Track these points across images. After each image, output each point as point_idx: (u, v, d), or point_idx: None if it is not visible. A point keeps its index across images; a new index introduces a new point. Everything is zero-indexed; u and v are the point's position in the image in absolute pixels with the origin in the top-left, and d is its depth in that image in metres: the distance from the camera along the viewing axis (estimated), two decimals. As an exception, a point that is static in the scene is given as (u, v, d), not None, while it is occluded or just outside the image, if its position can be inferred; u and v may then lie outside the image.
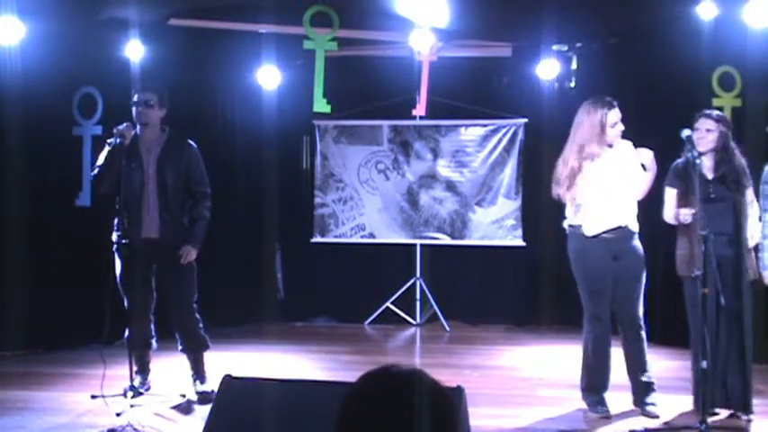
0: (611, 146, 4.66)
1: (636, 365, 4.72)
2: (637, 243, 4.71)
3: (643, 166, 4.66)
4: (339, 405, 1.49)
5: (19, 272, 6.06)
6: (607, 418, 4.62)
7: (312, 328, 8.08)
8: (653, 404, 4.67)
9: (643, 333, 4.72)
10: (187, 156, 5.06)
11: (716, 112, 4.81)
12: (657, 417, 4.61)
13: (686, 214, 4.53)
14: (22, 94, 6.11)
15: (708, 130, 4.59)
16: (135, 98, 4.97)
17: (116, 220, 4.88)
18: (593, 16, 6.75)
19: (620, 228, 4.64)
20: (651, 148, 4.73)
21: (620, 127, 4.65)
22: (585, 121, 4.64)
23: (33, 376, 5.68)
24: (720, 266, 4.40)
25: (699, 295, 4.29)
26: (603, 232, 4.62)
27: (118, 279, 4.94)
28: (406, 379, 1.48)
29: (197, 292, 5.11)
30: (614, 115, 4.61)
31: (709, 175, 4.62)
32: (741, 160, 4.64)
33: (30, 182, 6.21)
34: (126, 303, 4.93)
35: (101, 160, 4.90)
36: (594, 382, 4.72)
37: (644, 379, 4.71)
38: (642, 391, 4.71)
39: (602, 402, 4.69)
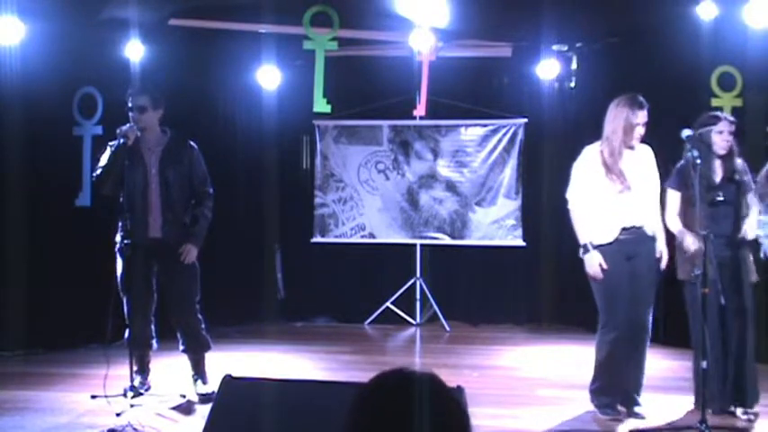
0: (631, 147, 4.64)
1: (632, 370, 4.65)
2: (653, 247, 4.63)
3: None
4: (350, 405, 1.48)
5: (19, 272, 6.06)
6: (618, 420, 4.58)
7: (312, 328, 8.08)
8: (641, 414, 4.60)
9: (647, 341, 4.66)
10: (189, 156, 5.07)
11: (730, 115, 4.88)
12: (644, 418, 4.59)
13: (692, 246, 4.51)
14: (22, 94, 6.11)
15: (730, 133, 4.63)
16: (129, 103, 4.96)
17: (119, 221, 4.89)
18: (593, 16, 6.75)
19: (634, 228, 4.59)
20: (650, 145, 4.73)
21: (641, 130, 4.59)
22: (611, 119, 4.62)
23: (33, 376, 5.68)
24: (720, 267, 4.40)
25: (699, 295, 4.29)
26: (619, 233, 4.59)
27: (119, 280, 4.94)
28: (419, 381, 1.48)
29: (199, 292, 5.11)
30: (641, 117, 4.56)
31: (716, 179, 4.62)
32: (740, 159, 4.68)
33: (30, 182, 6.21)
34: (126, 304, 4.93)
35: (103, 161, 4.90)
36: (607, 385, 4.66)
37: (636, 388, 4.65)
38: (630, 397, 4.66)
39: (612, 405, 4.64)
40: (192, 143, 5.14)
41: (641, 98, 4.60)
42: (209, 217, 5.11)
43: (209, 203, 5.11)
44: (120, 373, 4.86)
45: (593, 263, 4.58)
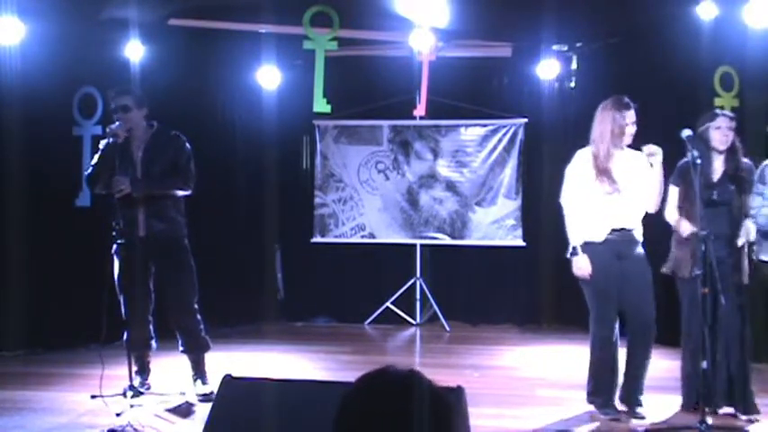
0: (621, 149, 4.65)
1: (636, 370, 4.66)
2: (641, 250, 4.67)
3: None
4: (337, 406, 1.49)
5: (19, 272, 6.06)
6: (617, 420, 4.58)
7: (312, 328, 8.08)
8: (641, 414, 4.61)
9: (652, 341, 4.65)
10: (173, 147, 5.01)
11: (729, 112, 4.86)
12: (644, 418, 4.60)
13: (687, 230, 4.59)
14: (22, 94, 6.11)
15: (729, 129, 4.64)
16: (111, 105, 4.93)
17: (113, 221, 4.87)
18: (593, 16, 6.76)
19: (624, 230, 4.62)
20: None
21: (631, 130, 4.62)
22: (599, 122, 4.64)
23: (33, 376, 5.68)
24: (718, 267, 4.40)
25: (699, 295, 4.29)
26: (609, 233, 4.61)
27: (116, 280, 4.91)
28: (403, 380, 1.49)
29: (197, 293, 5.11)
30: (629, 117, 4.59)
31: (714, 177, 4.63)
32: (745, 159, 4.68)
33: (30, 182, 6.21)
34: (123, 304, 4.92)
35: (95, 160, 4.90)
36: (602, 384, 4.67)
37: (638, 388, 4.66)
38: (633, 397, 4.67)
39: (609, 405, 4.65)
40: (178, 134, 5.06)
41: (627, 99, 4.64)
42: (174, 189, 4.97)
43: (185, 186, 5.00)
44: (119, 373, 4.86)
45: (581, 265, 4.63)
